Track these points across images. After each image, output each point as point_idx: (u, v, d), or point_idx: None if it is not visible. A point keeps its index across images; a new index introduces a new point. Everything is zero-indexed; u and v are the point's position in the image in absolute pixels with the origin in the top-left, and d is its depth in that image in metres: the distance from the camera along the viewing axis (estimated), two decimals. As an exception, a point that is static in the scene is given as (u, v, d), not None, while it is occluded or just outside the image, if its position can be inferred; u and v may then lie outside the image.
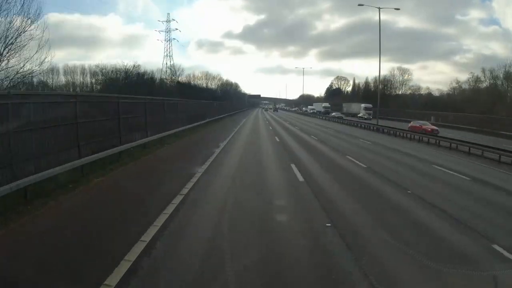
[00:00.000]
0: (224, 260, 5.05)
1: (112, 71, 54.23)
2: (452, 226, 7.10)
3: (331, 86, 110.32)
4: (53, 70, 55.17)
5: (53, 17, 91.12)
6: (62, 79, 57.65)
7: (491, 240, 6.22)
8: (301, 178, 10.80)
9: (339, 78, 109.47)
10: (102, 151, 11.66)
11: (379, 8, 35.67)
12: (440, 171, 13.69)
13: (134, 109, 16.50)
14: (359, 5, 34.73)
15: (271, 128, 33.88)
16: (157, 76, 68.07)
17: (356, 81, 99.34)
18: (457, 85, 67.60)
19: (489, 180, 12.34)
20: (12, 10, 18.12)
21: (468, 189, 10.88)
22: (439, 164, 15.29)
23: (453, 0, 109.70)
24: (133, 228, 6.17)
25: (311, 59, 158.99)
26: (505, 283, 4.97)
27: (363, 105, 66.31)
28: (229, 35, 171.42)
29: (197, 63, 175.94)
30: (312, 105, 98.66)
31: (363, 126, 40.39)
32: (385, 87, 78.14)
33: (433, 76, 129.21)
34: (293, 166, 12.84)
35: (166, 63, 72.99)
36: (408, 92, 79.53)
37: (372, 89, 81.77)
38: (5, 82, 18.15)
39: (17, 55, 18.00)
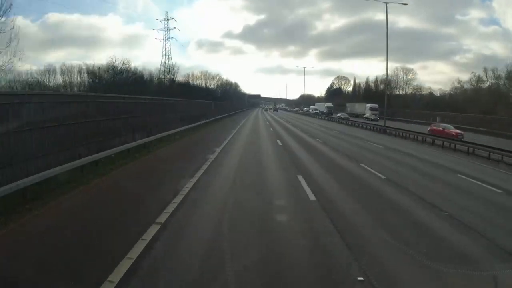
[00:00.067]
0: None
1: (100, 69, 53.90)
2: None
3: (331, 86, 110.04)
4: (49, 70, 55.53)
5: (53, 17, 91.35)
6: (59, 79, 57.41)
7: None
8: (312, 197, 8.93)
9: (339, 78, 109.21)
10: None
11: (386, 3, 34.01)
12: (474, 184, 11.62)
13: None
14: None
15: (272, 129, 33.86)
16: (155, 75, 67.91)
17: (357, 81, 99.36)
18: (458, 85, 67.37)
19: None
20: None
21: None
22: (468, 175, 13.02)
23: (453, 0, 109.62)
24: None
25: (311, 59, 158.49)
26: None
27: (368, 105, 62.43)
28: (229, 35, 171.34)
29: (197, 63, 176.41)
30: (314, 105, 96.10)
31: (369, 127, 38.35)
32: (387, 87, 77.67)
33: (433, 76, 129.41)
34: (300, 178, 10.98)
35: (165, 62, 72.53)
36: (410, 92, 79.16)
37: (373, 89, 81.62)
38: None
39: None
